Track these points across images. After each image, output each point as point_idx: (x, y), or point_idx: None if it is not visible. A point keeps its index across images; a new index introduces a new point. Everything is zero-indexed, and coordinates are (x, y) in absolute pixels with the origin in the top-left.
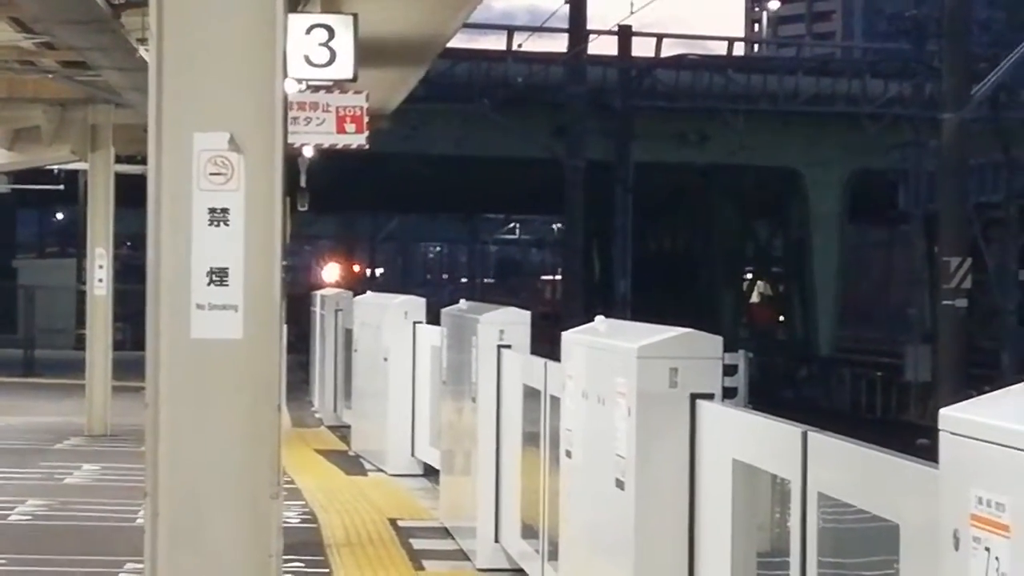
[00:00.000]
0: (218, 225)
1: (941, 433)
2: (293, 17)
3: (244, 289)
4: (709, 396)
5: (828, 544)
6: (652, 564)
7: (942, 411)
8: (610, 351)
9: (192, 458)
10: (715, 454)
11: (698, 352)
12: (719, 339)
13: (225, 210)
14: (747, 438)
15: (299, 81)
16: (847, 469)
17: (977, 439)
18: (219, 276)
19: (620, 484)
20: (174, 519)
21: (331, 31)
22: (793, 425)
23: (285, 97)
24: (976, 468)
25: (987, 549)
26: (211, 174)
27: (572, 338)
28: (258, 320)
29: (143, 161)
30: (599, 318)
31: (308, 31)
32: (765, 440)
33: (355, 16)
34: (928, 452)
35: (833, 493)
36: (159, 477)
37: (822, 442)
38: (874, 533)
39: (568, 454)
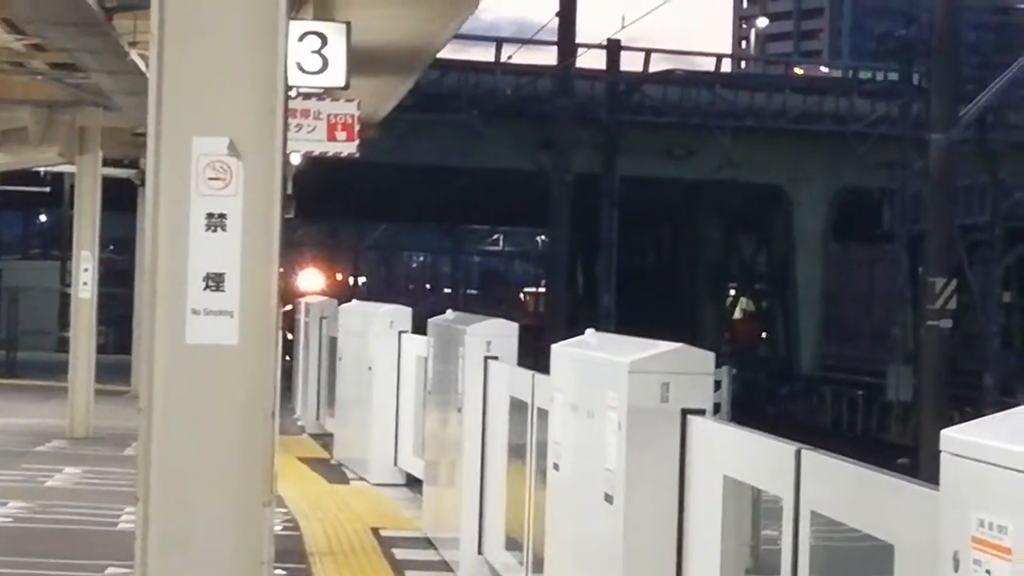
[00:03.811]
0: (215, 230)
1: (943, 455)
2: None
3: (240, 295)
4: (700, 412)
5: (819, 563)
6: None
7: (944, 432)
8: (601, 364)
9: (184, 464)
10: (706, 470)
11: (690, 367)
12: (711, 355)
13: (223, 215)
14: (739, 455)
15: (291, 88)
16: (841, 488)
17: (979, 461)
18: (215, 281)
19: (609, 498)
20: (165, 525)
21: (324, 39)
22: (786, 443)
23: (286, 103)
24: (978, 490)
25: (988, 572)
26: (209, 179)
27: (562, 351)
28: (254, 326)
29: (130, 165)
30: (589, 331)
31: (301, 38)
32: (757, 457)
33: (348, 24)
34: (908, 471)
35: (826, 511)
36: (151, 483)
37: (816, 460)
38: (866, 553)
39: (556, 467)
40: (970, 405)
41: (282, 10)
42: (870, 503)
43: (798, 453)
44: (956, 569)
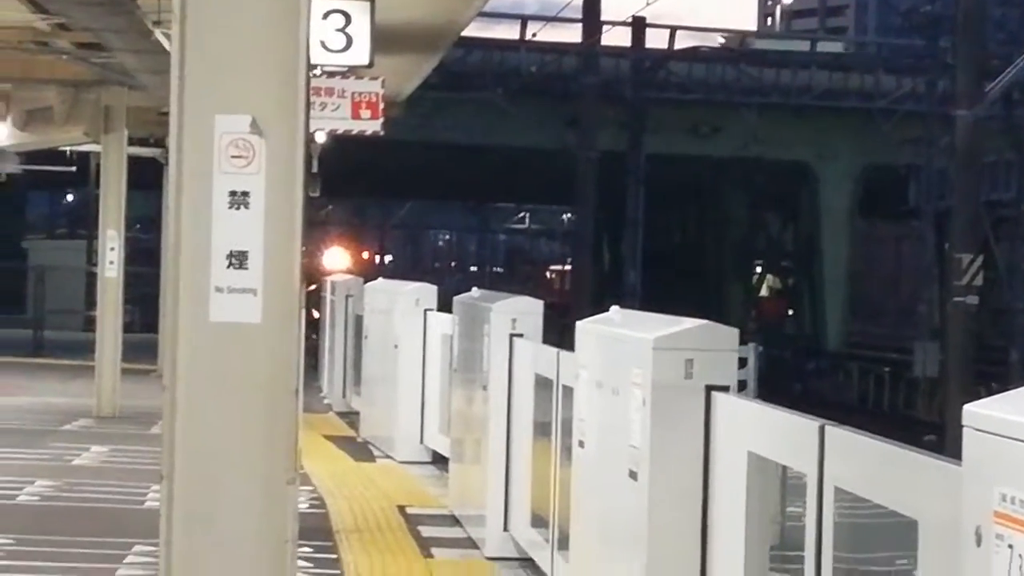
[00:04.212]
0: (238, 208)
1: (965, 429)
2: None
3: (264, 273)
4: (724, 388)
5: (843, 539)
6: (664, 555)
7: (967, 407)
8: (625, 341)
9: (209, 442)
10: (730, 446)
11: (714, 344)
12: (735, 331)
13: (246, 193)
14: (763, 431)
15: (315, 66)
16: (865, 464)
17: (1002, 436)
18: (239, 259)
19: (633, 475)
20: (190, 503)
21: (348, 17)
22: (810, 419)
23: (308, 81)
24: (1000, 465)
25: (1010, 546)
26: (232, 157)
27: (586, 328)
28: (277, 304)
29: (156, 144)
30: (614, 308)
31: (325, 16)
32: (781, 433)
33: (372, 2)
34: (935, 447)
35: (850, 488)
36: (175, 461)
37: (840, 436)
38: (891, 528)
39: (580, 444)
40: (997, 381)
41: None
42: (894, 479)
43: (822, 429)
44: (978, 544)
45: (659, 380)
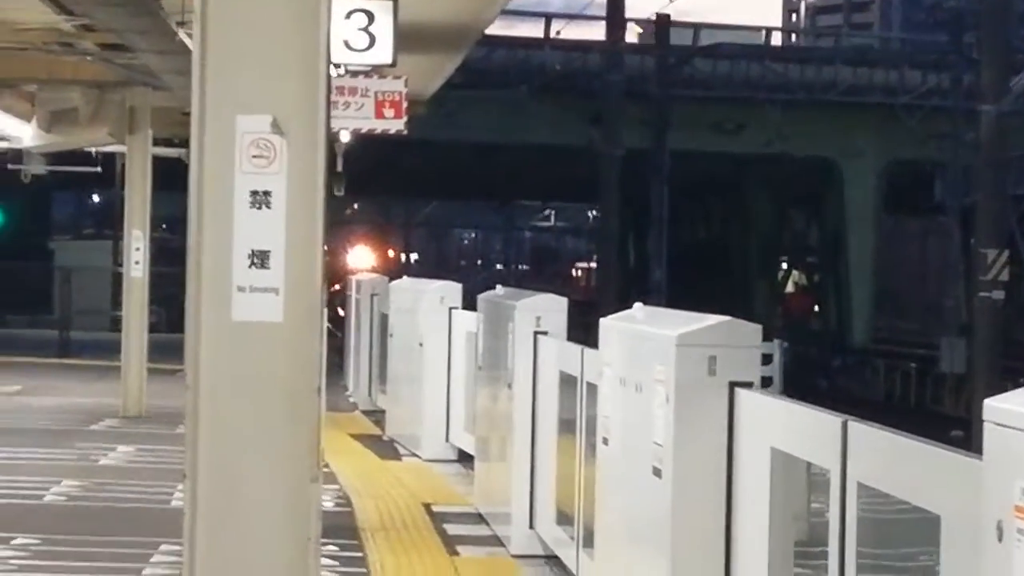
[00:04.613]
0: (260, 208)
1: (985, 424)
2: (334, 1)
3: (285, 272)
4: (748, 384)
5: (867, 534)
6: (689, 552)
7: (987, 402)
8: (649, 338)
9: (231, 441)
10: (753, 443)
11: (737, 340)
12: (758, 328)
13: (267, 193)
14: (786, 427)
15: (338, 66)
16: (888, 459)
17: (1022, 430)
18: (260, 259)
19: (657, 472)
20: (213, 502)
21: (371, 16)
22: (833, 414)
23: (329, 80)
24: (1021, 459)
25: None
26: (253, 157)
27: (610, 325)
28: (299, 303)
29: (180, 144)
30: (637, 305)
31: (348, 16)
32: (804, 429)
33: (395, 1)
34: (962, 443)
35: (873, 483)
36: (198, 460)
37: (863, 432)
38: (914, 524)
39: (605, 441)
40: None
41: None
42: (916, 474)
43: (844, 424)
44: (1000, 539)
45: (682, 377)
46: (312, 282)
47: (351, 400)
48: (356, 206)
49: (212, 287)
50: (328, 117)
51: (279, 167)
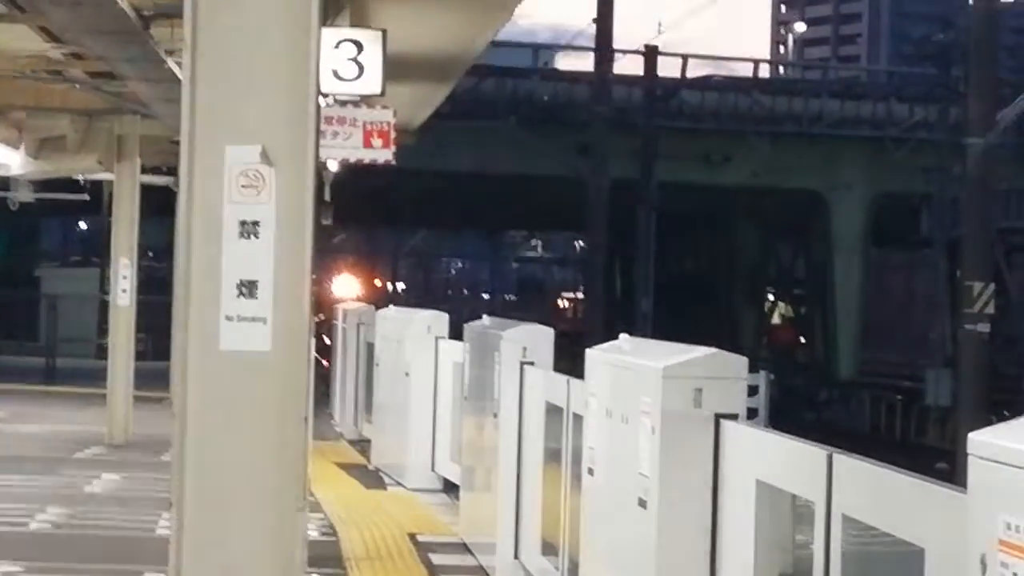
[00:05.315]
0: (248, 237)
1: (970, 458)
2: (323, 31)
3: (273, 302)
4: (733, 416)
5: (851, 567)
6: None
7: (971, 436)
8: (635, 370)
9: (218, 469)
10: (739, 475)
11: (723, 372)
12: (744, 360)
13: (256, 223)
14: (771, 459)
15: (327, 95)
16: (873, 492)
17: (1007, 464)
18: (249, 288)
19: (643, 503)
20: (199, 530)
21: (360, 46)
22: (818, 447)
23: (318, 110)
24: (1005, 493)
25: (1015, 574)
26: (243, 187)
27: (596, 356)
28: (287, 333)
29: (169, 172)
30: (623, 336)
31: (337, 46)
32: (790, 461)
33: (384, 32)
34: (947, 476)
35: (858, 516)
36: (185, 487)
37: (848, 464)
38: (898, 557)
39: (590, 472)
40: (1009, 409)
41: (315, 18)
42: (901, 507)
43: (830, 457)
44: (983, 572)
45: (668, 408)
46: (300, 312)
47: (337, 429)
48: (343, 235)
49: (200, 316)
50: (318, 147)
51: (268, 197)
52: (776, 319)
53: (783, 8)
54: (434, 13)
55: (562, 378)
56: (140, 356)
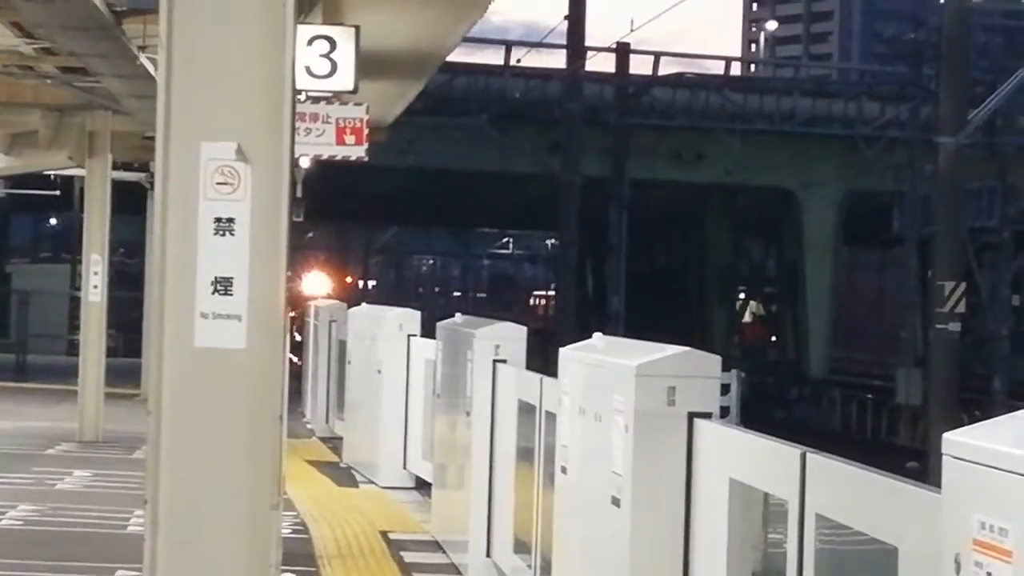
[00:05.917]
0: (224, 235)
1: (944, 457)
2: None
3: (248, 299)
4: (707, 415)
5: (824, 566)
6: None
7: (945, 435)
8: (608, 368)
9: (193, 467)
10: (712, 473)
11: (696, 371)
12: (717, 358)
13: (231, 220)
14: (745, 458)
15: (299, 92)
16: (846, 491)
17: (980, 464)
18: (224, 285)
19: (616, 501)
20: (174, 528)
21: (333, 43)
22: (792, 446)
23: (293, 107)
24: (979, 493)
25: (989, 574)
26: (218, 183)
27: (569, 354)
28: (262, 330)
29: (140, 168)
30: (597, 335)
31: (310, 42)
32: (763, 460)
33: (357, 28)
34: (918, 475)
35: (831, 515)
36: (159, 485)
37: (821, 463)
38: (871, 556)
39: (563, 470)
40: (979, 408)
41: (290, 15)
42: (874, 506)
43: (803, 456)
44: (958, 572)
45: (641, 407)
46: (275, 309)
47: (308, 426)
48: (313, 232)
49: (175, 313)
50: (293, 144)
51: (243, 194)
52: (747, 317)
53: (755, 6)
54: (407, 10)
55: (535, 376)
56: (111, 352)
